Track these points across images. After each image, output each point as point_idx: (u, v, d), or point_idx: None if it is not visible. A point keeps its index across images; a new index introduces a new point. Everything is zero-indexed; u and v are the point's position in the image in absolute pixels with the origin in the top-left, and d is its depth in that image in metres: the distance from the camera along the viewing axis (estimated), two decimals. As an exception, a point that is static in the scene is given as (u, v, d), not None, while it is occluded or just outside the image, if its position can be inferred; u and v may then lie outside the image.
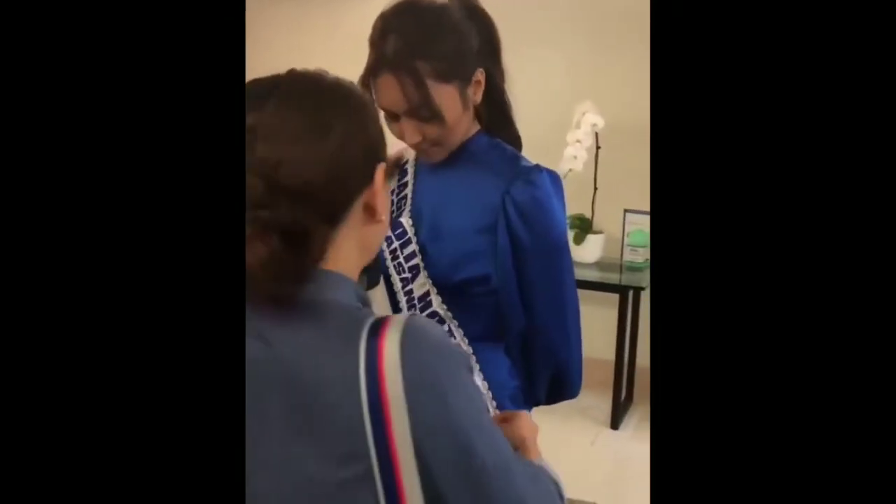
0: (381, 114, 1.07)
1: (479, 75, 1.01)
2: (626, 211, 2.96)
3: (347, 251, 0.70)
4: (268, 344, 0.65)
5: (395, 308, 1.10)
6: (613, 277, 2.84)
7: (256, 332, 0.65)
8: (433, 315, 1.07)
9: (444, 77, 0.95)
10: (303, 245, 0.64)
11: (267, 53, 3.66)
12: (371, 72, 0.96)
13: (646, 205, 2.78)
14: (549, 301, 1.06)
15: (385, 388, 0.61)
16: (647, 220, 2.89)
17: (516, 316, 1.05)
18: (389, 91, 0.95)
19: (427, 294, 1.06)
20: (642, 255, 2.94)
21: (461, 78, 0.98)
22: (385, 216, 0.72)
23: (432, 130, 0.98)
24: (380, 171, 0.70)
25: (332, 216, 0.67)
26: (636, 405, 3.16)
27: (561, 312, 1.08)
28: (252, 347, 0.64)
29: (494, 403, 1.07)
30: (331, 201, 0.66)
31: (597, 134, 2.83)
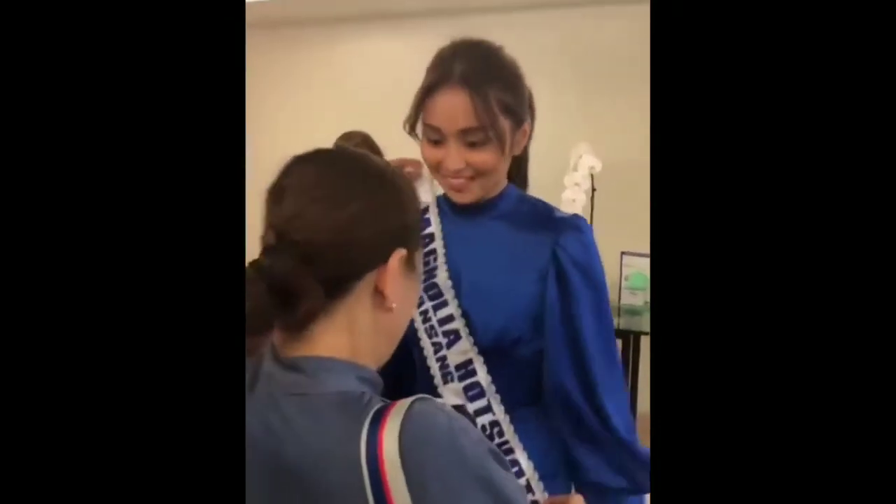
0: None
1: (527, 126, 0.99)
2: (622, 253, 2.96)
3: (354, 335, 0.67)
4: (277, 438, 0.63)
5: (426, 376, 1.01)
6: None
7: (265, 425, 0.64)
8: (474, 386, 0.99)
9: (504, 110, 0.92)
10: (289, 301, 0.62)
11: (265, 87, 3.72)
12: (432, 87, 0.93)
13: (643, 247, 2.78)
14: (603, 354, 1.00)
15: (390, 493, 0.57)
16: (645, 262, 2.89)
17: (563, 373, 0.98)
18: (452, 107, 0.91)
19: (469, 362, 0.98)
20: (641, 298, 2.94)
21: (516, 119, 0.95)
22: (398, 304, 0.68)
23: (479, 159, 0.93)
24: (395, 257, 0.67)
25: (332, 285, 0.65)
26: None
27: (613, 366, 1.02)
28: (260, 440, 0.63)
29: (540, 484, 0.99)
30: (332, 268, 0.64)
31: (593, 176, 2.85)
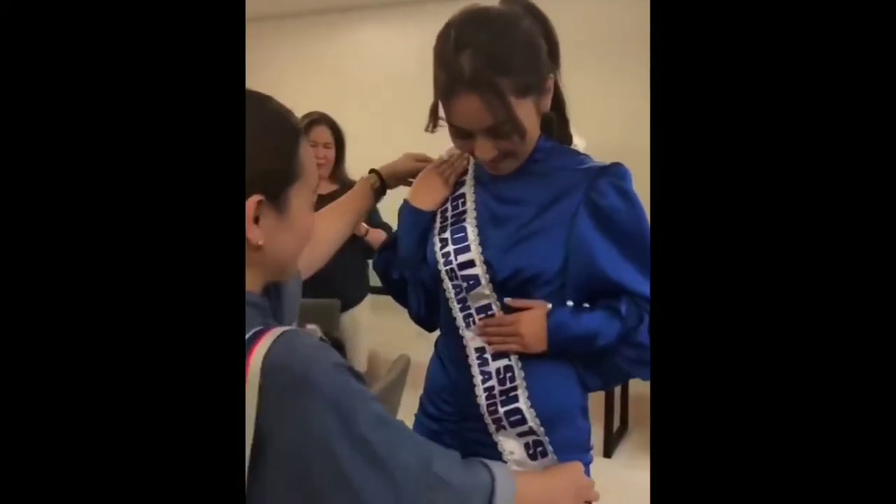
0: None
1: (550, 83, 0.97)
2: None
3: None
4: None
5: (449, 317, 1.04)
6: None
7: None
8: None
9: (522, 92, 0.91)
10: None
11: (263, 77, 3.70)
12: (446, 92, 0.91)
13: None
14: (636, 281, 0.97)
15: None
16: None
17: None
18: (469, 111, 0.91)
19: (488, 307, 1.01)
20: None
21: (537, 91, 0.94)
22: (265, 243, 0.71)
23: (509, 145, 0.95)
24: (249, 203, 0.68)
25: None
26: (631, 433, 3.13)
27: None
28: None
29: (542, 428, 1.01)
30: None
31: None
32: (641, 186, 0.96)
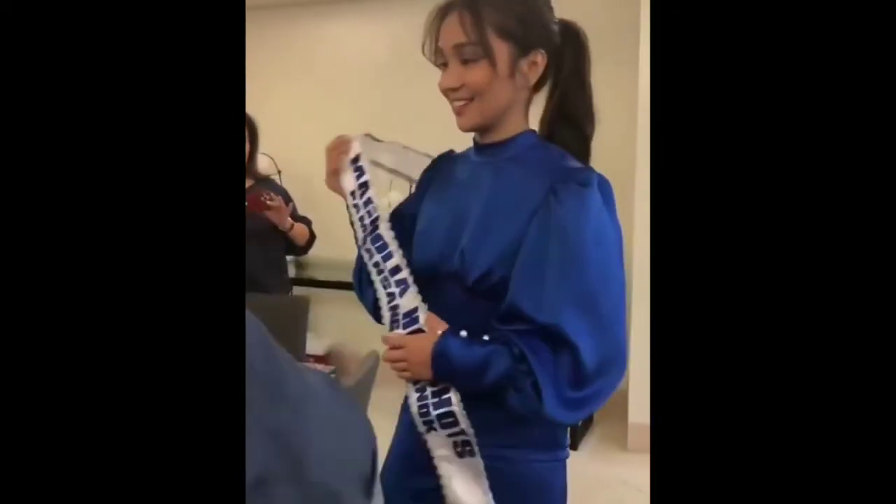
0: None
1: (539, 57, 0.97)
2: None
3: None
4: None
5: (378, 321, 1.05)
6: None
7: None
8: (419, 332, 0.97)
9: (503, 33, 0.94)
10: None
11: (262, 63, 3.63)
12: (440, 14, 0.97)
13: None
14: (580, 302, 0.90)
15: None
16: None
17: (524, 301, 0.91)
18: (450, 27, 0.95)
19: (415, 310, 0.99)
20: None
21: (520, 45, 0.95)
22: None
23: (472, 77, 0.94)
24: None
25: None
26: (596, 425, 3.17)
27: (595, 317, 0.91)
28: None
29: (467, 420, 0.95)
30: None
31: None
32: (620, 195, 0.94)
